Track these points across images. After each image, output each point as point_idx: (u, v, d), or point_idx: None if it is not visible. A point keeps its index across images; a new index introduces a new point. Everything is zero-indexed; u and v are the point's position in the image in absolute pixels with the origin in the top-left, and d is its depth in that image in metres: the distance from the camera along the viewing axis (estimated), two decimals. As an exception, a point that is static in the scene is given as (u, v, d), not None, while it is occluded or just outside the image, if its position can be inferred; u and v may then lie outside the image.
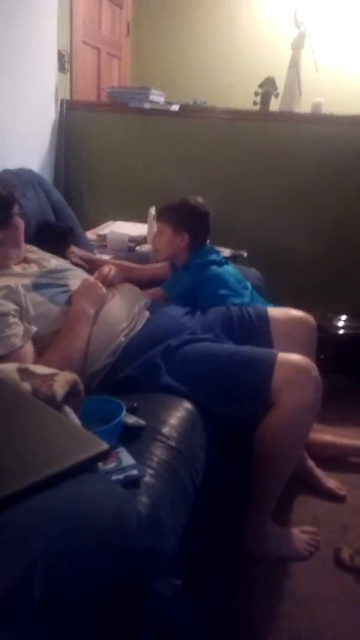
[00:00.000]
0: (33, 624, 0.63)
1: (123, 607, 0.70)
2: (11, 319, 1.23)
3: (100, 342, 1.34)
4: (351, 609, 1.27)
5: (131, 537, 0.70)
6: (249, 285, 1.83)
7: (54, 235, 1.75)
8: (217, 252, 1.86)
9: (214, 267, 1.74)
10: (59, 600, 0.63)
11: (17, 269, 1.45)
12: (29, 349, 1.23)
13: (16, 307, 1.26)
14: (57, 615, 0.64)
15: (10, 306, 1.25)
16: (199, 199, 1.80)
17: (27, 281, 1.37)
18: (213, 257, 1.79)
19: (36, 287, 1.37)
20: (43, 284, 1.40)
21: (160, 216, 1.85)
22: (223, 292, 1.69)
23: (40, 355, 1.25)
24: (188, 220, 1.76)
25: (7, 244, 1.44)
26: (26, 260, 1.53)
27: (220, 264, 1.79)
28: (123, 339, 1.37)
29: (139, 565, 0.71)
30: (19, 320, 1.25)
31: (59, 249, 1.70)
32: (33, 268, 1.49)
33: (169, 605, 0.74)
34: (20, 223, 1.48)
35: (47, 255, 1.59)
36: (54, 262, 1.55)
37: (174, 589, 0.76)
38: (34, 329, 1.26)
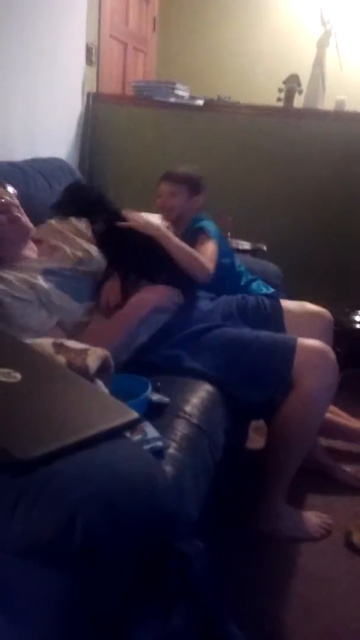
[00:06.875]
0: (72, 568, 0.69)
1: (151, 561, 0.76)
2: (35, 306, 1.26)
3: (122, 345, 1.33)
4: (360, 587, 1.32)
5: (160, 495, 0.76)
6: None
7: (86, 203, 1.61)
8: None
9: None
10: (95, 548, 0.69)
11: (33, 259, 1.40)
12: (56, 333, 1.26)
13: (38, 296, 1.28)
14: (93, 562, 0.70)
15: (33, 296, 1.28)
16: None
17: (47, 274, 1.33)
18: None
19: (58, 284, 1.33)
20: (64, 278, 1.36)
21: (173, 179, 1.93)
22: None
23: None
24: (201, 184, 1.94)
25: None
26: (49, 248, 1.45)
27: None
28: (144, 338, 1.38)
29: (166, 523, 0.77)
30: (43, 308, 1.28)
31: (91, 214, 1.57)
32: (54, 260, 1.41)
33: (192, 562, 0.80)
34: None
35: (71, 236, 1.50)
36: (78, 252, 1.46)
37: (196, 548, 0.82)
38: (57, 317, 1.29)
